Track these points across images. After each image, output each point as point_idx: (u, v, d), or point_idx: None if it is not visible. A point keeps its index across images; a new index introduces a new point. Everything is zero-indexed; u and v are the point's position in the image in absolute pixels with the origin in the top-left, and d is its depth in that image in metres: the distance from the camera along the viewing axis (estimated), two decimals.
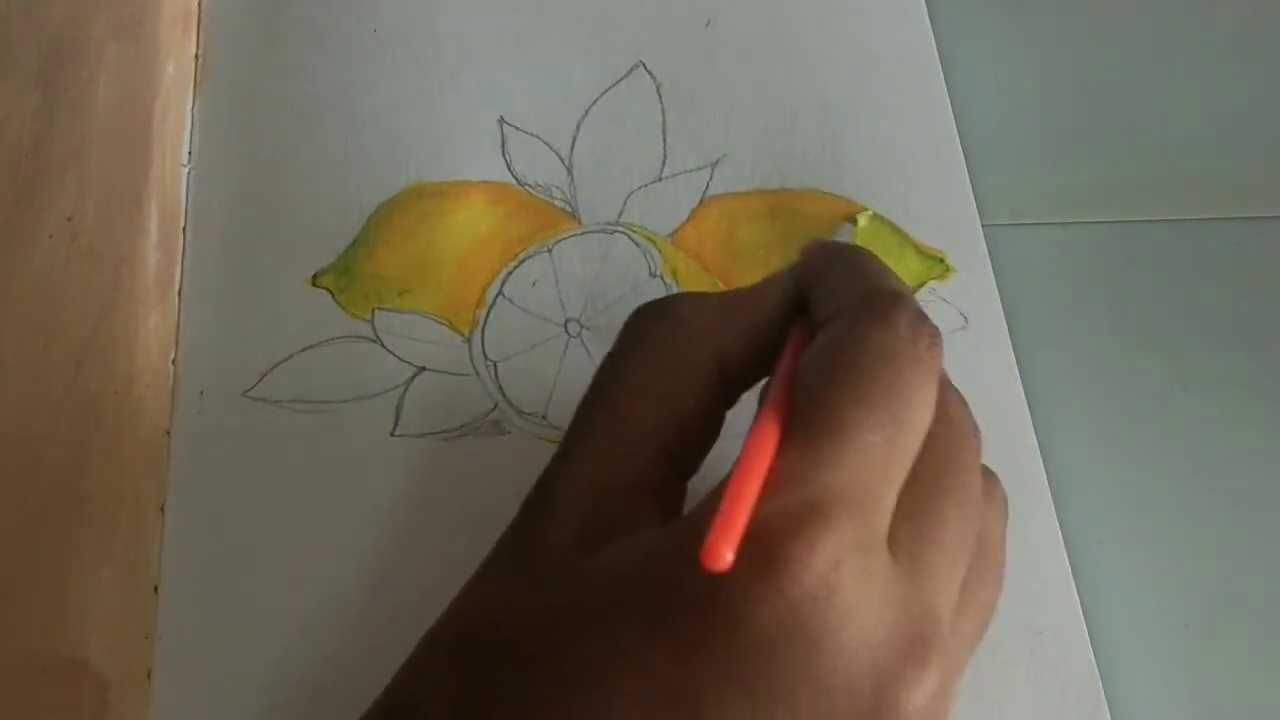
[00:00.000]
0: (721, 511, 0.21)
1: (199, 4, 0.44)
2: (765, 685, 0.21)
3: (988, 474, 0.28)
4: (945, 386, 0.26)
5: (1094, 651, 0.33)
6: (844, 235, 0.38)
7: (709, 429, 0.28)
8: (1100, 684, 0.32)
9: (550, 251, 0.39)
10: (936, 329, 0.26)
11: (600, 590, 0.23)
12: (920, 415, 0.24)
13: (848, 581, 0.21)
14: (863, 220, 0.39)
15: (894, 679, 0.22)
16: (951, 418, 0.26)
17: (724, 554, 0.20)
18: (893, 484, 0.24)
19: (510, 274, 0.38)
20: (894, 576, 0.23)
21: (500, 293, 0.38)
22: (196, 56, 0.43)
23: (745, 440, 0.23)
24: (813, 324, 0.27)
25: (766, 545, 0.21)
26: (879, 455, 0.23)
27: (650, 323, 0.28)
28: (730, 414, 0.29)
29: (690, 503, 0.27)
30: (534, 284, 0.38)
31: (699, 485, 0.27)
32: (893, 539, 0.23)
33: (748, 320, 0.28)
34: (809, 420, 0.23)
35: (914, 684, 0.22)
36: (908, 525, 0.24)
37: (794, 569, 0.21)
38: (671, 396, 0.26)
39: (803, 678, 0.21)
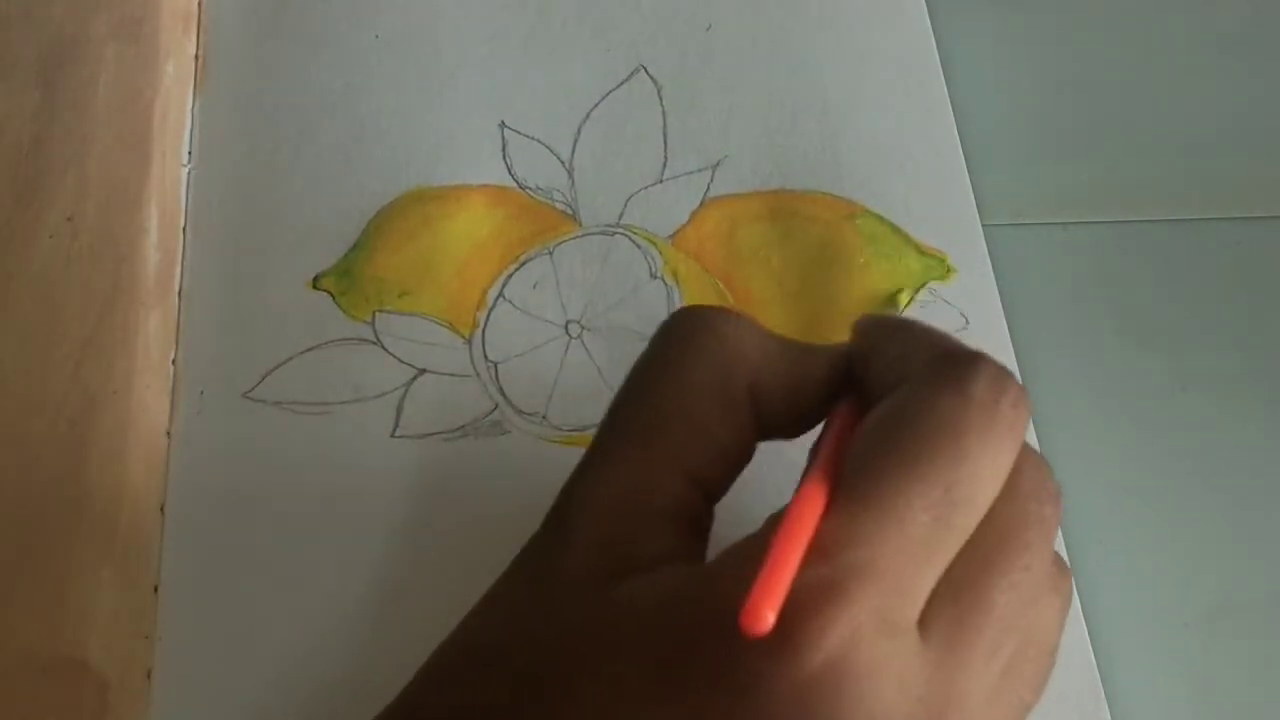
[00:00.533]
0: (764, 574, 0.20)
1: (199, 4, 0.44)
2: None
3: (1059, 560, 0.26)
4: (1024, 451, 0.24)
5: (1094, 651, 0.33)
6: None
7: (740, 458, 0.26)
8: (1100, 684, 0.32)
9: (551, 253, 0.39)
10: (1022, 389, 0.24)
11: (614, 627, 0.22)
12: (983, 493, 0.23)
13: (862, 665, 0.20)
14: (904, 297, 0.38)
15: None
16: (1023, 489, 0.24)
17: (765, 616, 0.20)
18: (935, 567, 0.22)
19: (511, 276, 0.38)
20: (920, 662, 0.21)
21: (501, 295, 0.38)
22: (196, 56, 0.43)
23: (790, 502, 0.22)
24: (868, 397, 0.25)
25: (785, 619, 0.20)
26: (922, 535, 0.22)
27: (692, 335, 0.26)
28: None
29: (717, 530, 0.26)
30: (534, 286, 0.38)
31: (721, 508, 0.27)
32: (930, 619, 0.22)
33: (793, 369, 0.26)
34: (854, 489, 0.22)
35: None
36: (948, 607, 0.22)
37: (807, 646, 0.20)
38: (706, 422, 0.25)
39: None
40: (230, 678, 0.33)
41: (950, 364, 0.24)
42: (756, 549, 0.22)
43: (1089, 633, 0.33)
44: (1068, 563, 0.26)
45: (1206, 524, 0.36)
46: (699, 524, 0.25)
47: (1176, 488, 0.36)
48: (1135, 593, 0.35)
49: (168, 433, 0.36)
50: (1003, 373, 0.24)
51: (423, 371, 0.37)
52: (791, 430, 0.27)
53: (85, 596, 0.32)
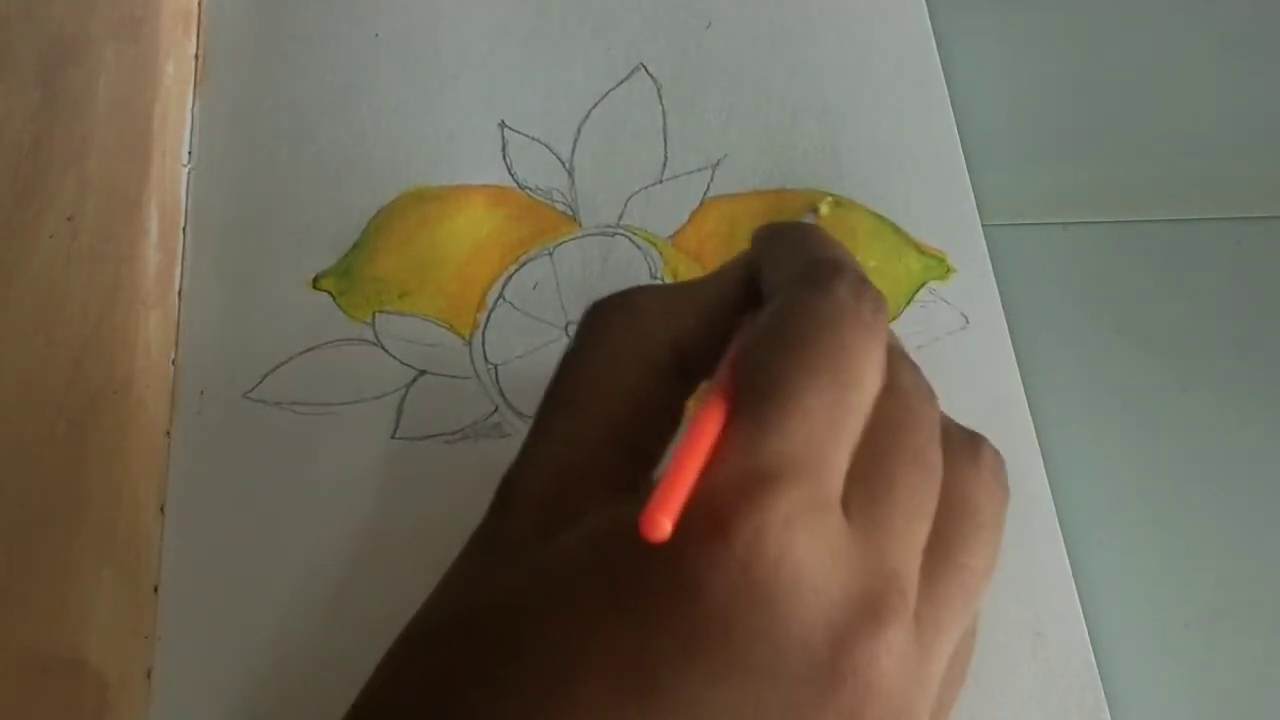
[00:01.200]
0: (662, 483, 0.21)
1: (199, 4, 0.44)
2: (723, 648, 0.21)
3: (974, 439, 0.28)
4: (896, 354, 0.26)
5: (1094, 651, 0.33)
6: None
7: (667, 419, 0.27)
8: (1100, 684, 0.32)
9: (551, 254, 0.39)
10: (879, 294, 0.26)
11: (556, 573, 0.23)
12: (867, 378, 0.24)
13: (799, 541, 0.21)
14: (824, 208, 0.39)
15: (851, 636, 0.21)
16: (902, 385, 0.26)
17: (662, 523, 0.21)
18: (842, 446, 0.23)
19: (511, 277, 0.38)
20: (847, 536, 0.22)
21: (501, 296, 0.38)
22: (196, 56, 0.43)
23: (692, 416, 0.23)
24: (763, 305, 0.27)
25: (716, 513, 0.21)
26: (825, 418, 0.23)
27: (606, 315, 0.27)
28: None
29: None
30: (535, 287, 0.38)
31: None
32: (846, 501, 0.23)
33: (703, 307, 0.28)
34: (753, 390, 0.23)
35: (874, 641, 0.22)
36: (860, 486, 0.24)
37: (743, 532, 0.21)
38: (626, 388, 0.26)
39: (758, 638, 0.21)
40: (230, 678, 0.33)
41: (814, 271, 0.26)
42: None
43: (1089, 633, 0.33)
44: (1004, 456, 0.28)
45: (1207, 524, 0.36)
46: (634, 489, 0.26)
47: (1176, 488, 0.36)
48: (1135, 593, 0.35)
49: (168, 433, 0.36)
50: (861, 279, 0.26)
51: (423, 373, 0.37)
52: (719, 358, 0.27)
53: (85, 596, 0.32)
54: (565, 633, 0.22)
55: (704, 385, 0.27)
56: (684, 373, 0.27)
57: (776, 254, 0.28)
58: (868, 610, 0.22)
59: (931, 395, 0.27)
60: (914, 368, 0.27)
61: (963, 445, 0.27)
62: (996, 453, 0.28)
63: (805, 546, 0.21)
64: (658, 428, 0.27)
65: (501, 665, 0.23)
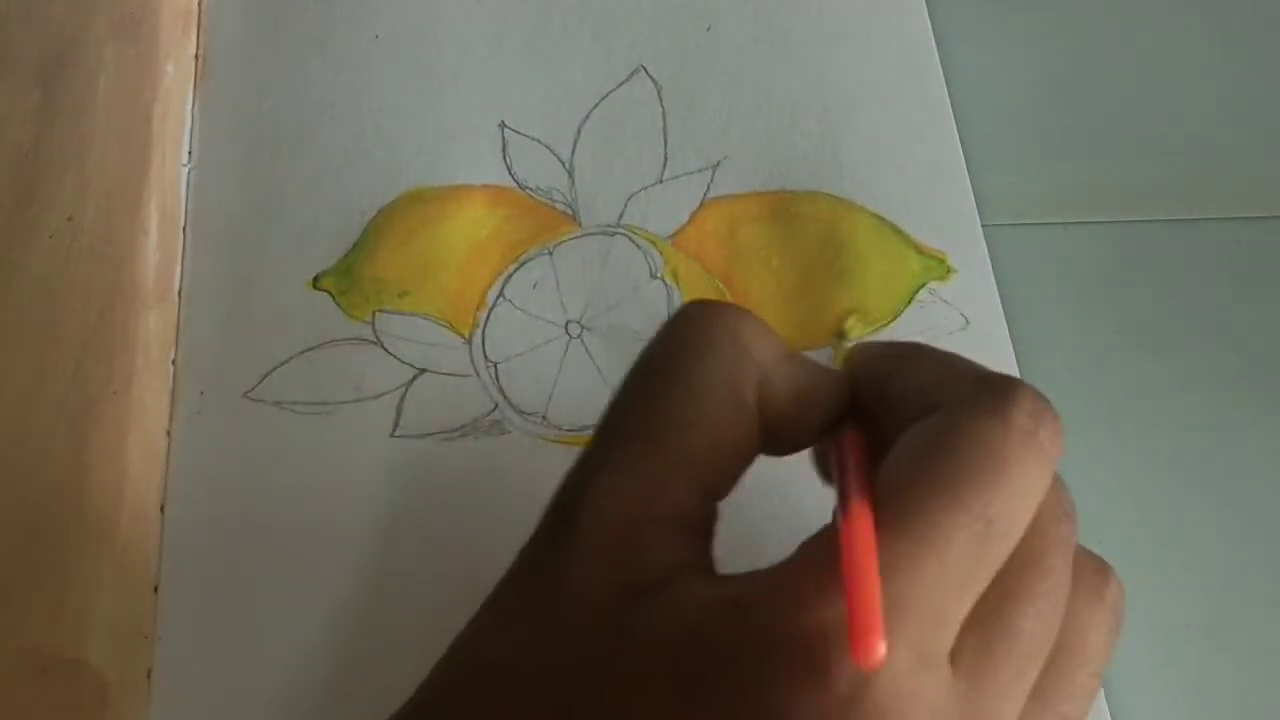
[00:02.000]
0: (854, 602, 0.20)
1: (199, 4, 0.44)
2: None
3: (1103, 570, 0.26)
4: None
5: None
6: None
7: (746, 461, 0.25)
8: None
9: (551, 254, 0.39)
10: (1058, 417, 0.23)
11: (636, 650, 0.22)
12: (1020, 524, 0.22)
13: (896, 699, 0.20)
14: (854, 329, 0.37)
15: None
16: (1044, 512, 0.23)
17: (876, 647, 0.19)
18: (969, 599, 0.22)
19: (511, 276, 0.38)
20: (951, 693, 0.21)
21: (501, 295, 0.38)
22: (196, 56, 0.43)
23: (844, 527, 0.21)
24: (880, 423, 0.25)
25: (815, 653, 0.20)
26: (959, 567, 0.21)
27: (704, 331, 0.25)
28: None
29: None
30: (534, 286, 0.38)
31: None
32: (958, 649, 0.22)
33: (802, 379, 0.25)
34: (892, 517, 0.21)
35: None
36: (975, 634, 0.22)
37: (837, 684, 0.20)
38: (716, 425, 0.24)
39: None
40: (230, 678, 0.33)
41: (991, 390, 0.23)
42: (789, 577, 0.21)
43: None
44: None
45: (1206, 524, 0.36)
46: (707, 529, 0.25)
47: (1176, 488, 0.36)
48: (1135, 593, 0.35)
49: (168, 433, 0.36)
50: (1042, 400, 0.23)
51: (423, 371, 0.37)
52: (786, 445, 0.26)
53: (85, 596, 0.32)
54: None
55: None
56: (763, 421, 0.25)
57: (920, 368, 0.25)
58: None
59: (1072, 517, 0.24)
60: (1059, 484, 0.24)
61: (1091, 578, 0.25)
62: (1121, 587, 0.26)
63: (904, 706, 0.20)
64: (733, 468, 0.25)
65: None
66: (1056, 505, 0.24)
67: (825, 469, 0.28)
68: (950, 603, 0.21)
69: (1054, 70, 0.44)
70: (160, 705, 0.32)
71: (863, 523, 0.21)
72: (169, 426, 0.36)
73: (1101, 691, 0.32)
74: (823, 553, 0.21)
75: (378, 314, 0.38)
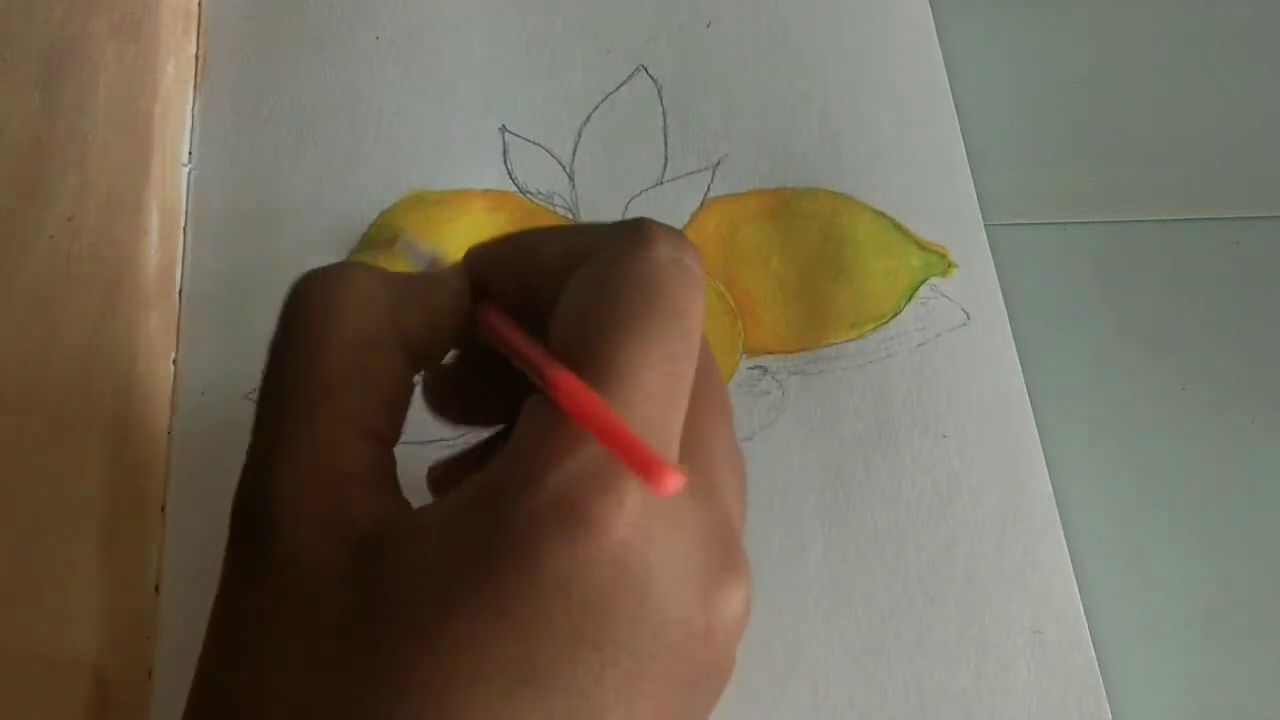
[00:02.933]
0: (627, 448, 0.21)
1: (199, 4, 0.44)
2: (609, 636, 0.21)
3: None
4: None
5: (1094, 651, 0.33)
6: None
7: (405, 399, 0.26)
8: (1101, 684, 0.32)
9: None
10: (692, 243, 0.25)
11: (398, 594, 0.22)
12: (696, 336, 0.24)
13: (657, 522, 0.22)
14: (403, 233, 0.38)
15: (717, 593, 0.22)
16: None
17: (672, 470, 0.21)
18: (679, 409, 0.23)
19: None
20: (689, 501, 0.23)
21: None
22: (196, 56, 0.43)
23: (551, 390, 0.22)
24: (536, 297, 0.26)
25: (579, 507, 0.21)
26: (665, 388, 0.23)
27: (324, 291, 0.25)
28: None
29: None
30: None
31: None
32: (680, 461, 0.23)
33: (427, 299, 0.26)
34: (592, 368, 0.23)
35: (733, 590, 0.23)
36: (691, 447, 0.24)
37: (610, 526, 0.21)
38: (368, 374, 0.24)
39: (636, 621, 0.22)
40: None
41: (628, 232, 0.25)
42: (520, 455, 0.22)
43: (1089, 633, 0.33)
44: None
45: (1207, 524, 0.36)
46: (392, 475, 0.25)
47: (1177, 487, 0.36)
48: (1135, 593, 0.35)
49: (168, 433, 0.36)
50: (676, 232, 0.25)
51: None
52: (436, 357, 0.27)
53: (85, 596, 0.32)
54: (435, 649, 0.21)
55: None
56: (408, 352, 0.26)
57: (547, 245, 0.27)
58: (724, 566, 0.23)
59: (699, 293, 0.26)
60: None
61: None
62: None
63: (662, 526, 0.22)
64: (396, 409, 0.26)
65: (372, 687, 0.21)
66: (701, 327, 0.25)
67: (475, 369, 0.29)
68: (666, 425, 0.23)
69: (1055, 70, 0.44)
70: (160, 705, 0.32)
71: (571, 380, 0.22)
72: (169, 426, 0.36)
73: (1102, 691, 0.32)
74: (539, 422, 0.22)
75: None
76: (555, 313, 0.24)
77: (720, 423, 0.25)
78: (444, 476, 0.30)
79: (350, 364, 0.24)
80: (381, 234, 0.39)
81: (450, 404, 0.29)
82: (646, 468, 0.21)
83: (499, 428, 0.29)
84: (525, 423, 0.23)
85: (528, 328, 0.25)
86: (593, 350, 0.23)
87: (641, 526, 0.22)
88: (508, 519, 0.21)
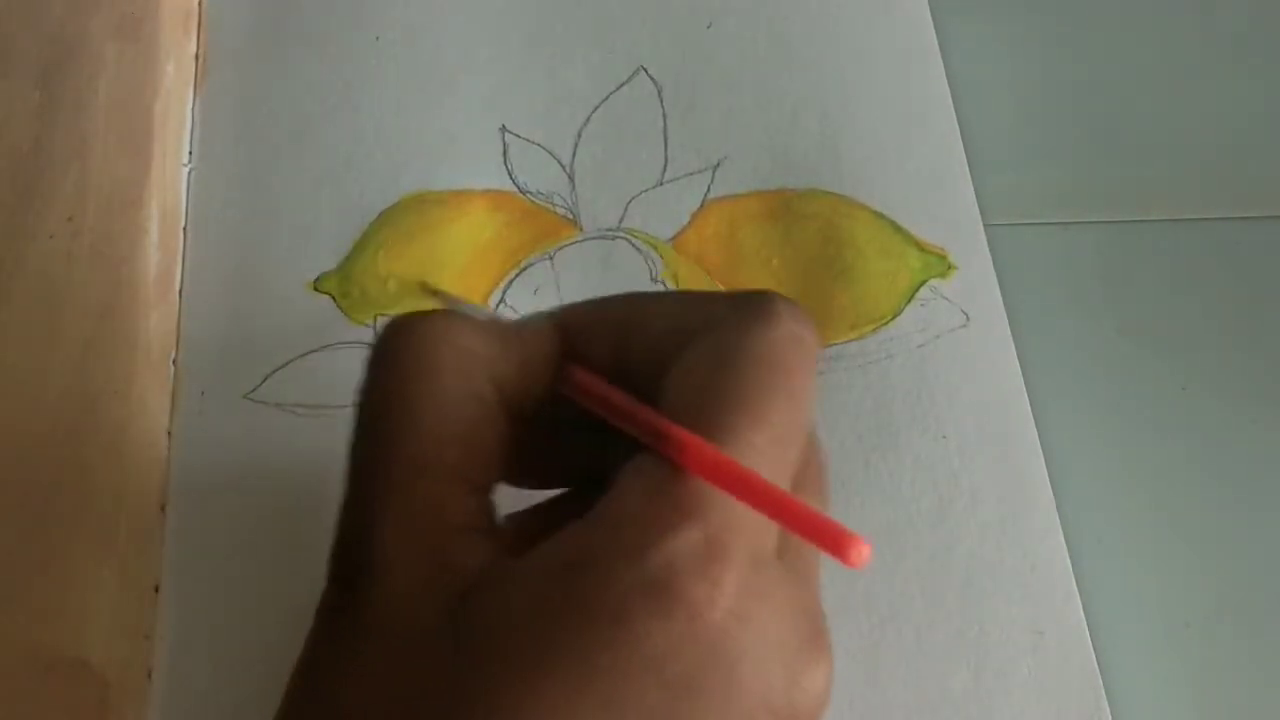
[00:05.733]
0: (808, 521, 0.21)
1: (199, 4, 0.44)
2: (696, 715, 0.21)
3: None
4: None
5: (1094, 651, 0.33)
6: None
7: (504, 450, 0.26)
8: (1100, 684, 0.32)
9: (552, 258, 0.39)
10: (809, 317, 0.25)
11: (488, 646, 0.22)
12: (808, 417, 0.24)
13: (751, 607, 0.22)
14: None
15: (803, 675, 0.22)
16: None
17: (860, 543, 0.21)
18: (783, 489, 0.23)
19: (512, 282, 0.38)
20: (784, 581, 0.23)
21: (502, 300, 0.38)
22: (196, 56, 0.43)
23: (684, 457, 0.22)
24: (629, 368, 0.26)
25: (675, 588, 0.21)
26: (773, 471, 0.23)
27: (421, 346, 0.25)
28: None
29: None
30: (535, 291, 0.38)
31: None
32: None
33: (523, 352, 0.26)
34: (707, 440, 0.23)
35: (819, 671, 0.23)
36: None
37: (709, 608, 0.21)
38: (470, 430, 0.25)
39: (727, 701, 0.22)
40: (230, 678, 0.33)
41: (751, 305, 0.24)
42: (624, 520, 0.22)
43: (1089, 633, 0.33)
44: None
45: (1207, 524, 0.36)
46: (493, 524, 0.25)
47: (1177, 487, 0.36)
48: (1135, 593, 0.35)
49: (168, 433, 0.36)
50: (796, 304, 0.25)
51: None
52: (531, 410, 0.27)
53: (85, 596, 0.32)
54: (519, 710, 0.21)
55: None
56: (505, 407, 0.26)
57: (654, 307, 0.27)
58: (812, 646, 0.23)
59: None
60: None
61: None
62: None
63: (757, 610, 0.22)
64: (496, 462, 0.25)
65: None
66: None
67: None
68: None
69: (1055, 70, 0.44)
70: (160, 705, 0.32)
71: (705, 448, 0.22)
72: (169, 426, 0.36)
73: (1102, 691, 0.32)
74: (644, 489, 0.22)
75: (380, 318, 0.38)
76: (668, 380, 0.24)
77: (817, 501, 0.25)
78: (521, 529, 0.29)
79: (456, 420, 0.24)
80: (414, 286, 0.38)
81: (526, 465, 0.28)
82: (835, 540, 0.21)
83: (563, 490, 0.29)
84: (627, 488, 0.23)
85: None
86: (708, 423, 0.23)
87: (736, 611, 0.22)
88: (605, 590, 0.21)
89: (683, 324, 0.25)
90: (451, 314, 0.26)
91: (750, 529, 0.22)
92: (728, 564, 0.21)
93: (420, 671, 0.22)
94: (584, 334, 0.27)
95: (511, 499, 0.28)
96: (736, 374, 0.23)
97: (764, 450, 0.23)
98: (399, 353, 0.25)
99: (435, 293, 0.36)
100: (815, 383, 0.24)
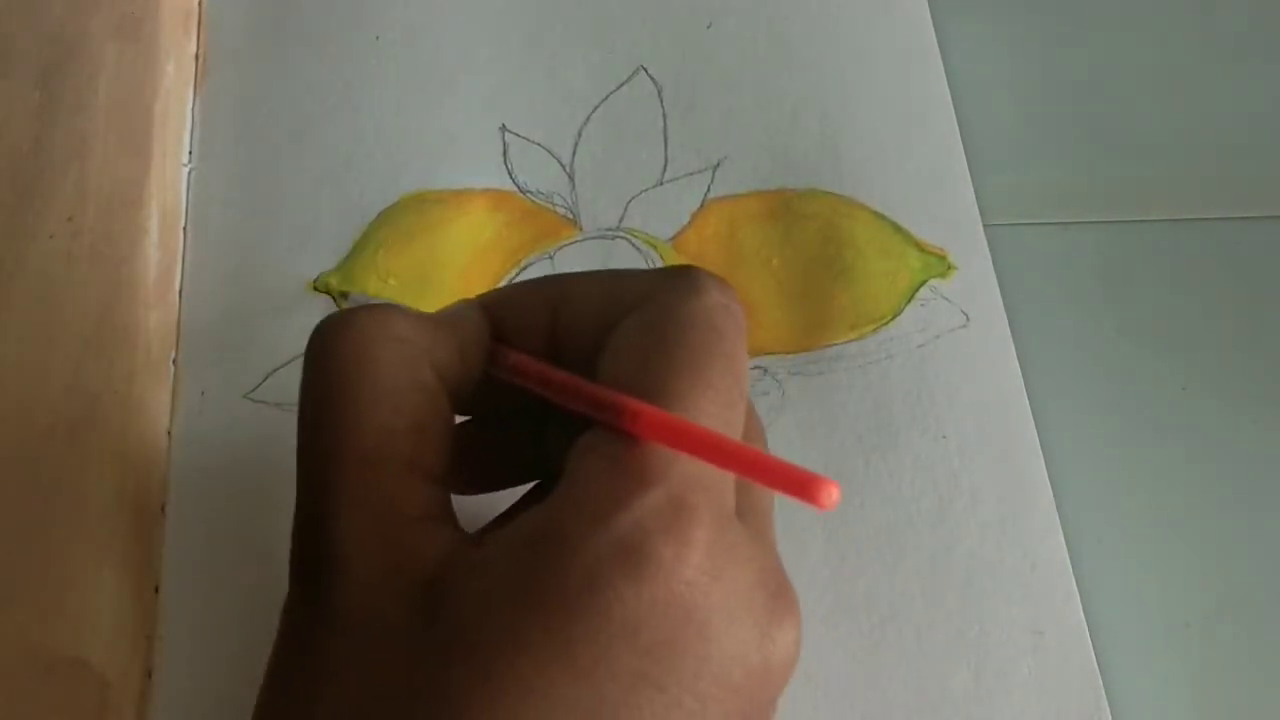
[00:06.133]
0: (772, 469, 0.22)
1: (199, 4, 0.44)
2: (673, 678, 0.22)
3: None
4: None
5: (1094, 651, 0.33)
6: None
7: (450, 435, 0.26)
8: (1100, 684, 0.32)
9: (552, 258, 0.39)
10: (733, 288, 0.26)
11: (457, 632, 0.22)
12: (746, 378, 0.25)
13: (720, 564, 0.22)
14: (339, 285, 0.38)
15: (774, 631, 0.23)
16: None
17: (829, 485, 0.21)
18: None
19: (512, 281, 0.38)
20: (746, 538, 0.23)
21: None
22: (196, 56, 0.43)
23: (636, 425, 0.23)
24: (559, 339, 0.27)
25: (649, 549, 0.21)
26: (722, 429, 0.23)
27: (361, 339, 0.25)
28: None
29: None
30: None
31: None
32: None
33: (457, 336, 0.26)
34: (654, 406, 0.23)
35: (788, 628, 0.23)
36: (739, 484, 0.24)
37: (679, 568, 0.22)
38: (417, 419, 0.25)
39: (704, 660, 0.22)
40: (230, 678, 0.33)
41: (679, 279, 0.25)
42: (585, 490, 0.22)
43: (1089, 633, 0.33)
44: None
45: (1208, 523, 0.36)
46: (449, 508, 0.25)
47: (1177, 487, 0.36)
48: (1135, 592, 0.35)
49: (168, 433, 0.36)
50: (722, 280, 0.26)
51: None
52: (467, 397, 0.27)
53: (85, 596, 0.32)
54: (500, 691, 0.21)
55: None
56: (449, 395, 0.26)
57: (579, 285, 0.27)
58: (777, 601, 0.23)
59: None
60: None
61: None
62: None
63: (726, 567, 0.22)
64: (446, 448, 0.26)
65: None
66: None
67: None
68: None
69: (1056, 70, 0.44)
70: (160, 705, 0.32)
71: (658, 414, 0.22)
72: (169, 426, 0.36)
73: (1102, 691, 0.32)
74: (601, 460, 0.23)
75: None
76: (606, 355, 0.25)
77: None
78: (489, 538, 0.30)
79: (403, 409, 0.24)
80: (326, 288, 0.38)
81: (465, 471, 0.29)
82: (803, 484, 0.21)
83: (506, 489, 0.30)
84: (584, 461, 0.23)
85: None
86: (653, 390, 0.23)
87: (707, 568, 0.22)
88: (574, 560, 0.22)
89: (613, 300, 0.26)
90: (383, 306, 0.26)
91: (711, 488, 0.23)
92: (695, 523, 0.22)
93: (389, 663, 0.22)
94: (512, 316, 0.28)
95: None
96: (674, 341, 0.24)
97: (712, 413, 0.23)
98: (337, 348, 0.25)
99: (343, 294, 0.37)
100: (745, 345, 0.25)
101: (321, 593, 0.24)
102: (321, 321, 0.26)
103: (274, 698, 0.24)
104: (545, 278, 0.28)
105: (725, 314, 0.25)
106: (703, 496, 0.22)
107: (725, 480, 0.23)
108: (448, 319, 0.27)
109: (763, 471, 0.22)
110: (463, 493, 0.29)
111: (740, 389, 0.24)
